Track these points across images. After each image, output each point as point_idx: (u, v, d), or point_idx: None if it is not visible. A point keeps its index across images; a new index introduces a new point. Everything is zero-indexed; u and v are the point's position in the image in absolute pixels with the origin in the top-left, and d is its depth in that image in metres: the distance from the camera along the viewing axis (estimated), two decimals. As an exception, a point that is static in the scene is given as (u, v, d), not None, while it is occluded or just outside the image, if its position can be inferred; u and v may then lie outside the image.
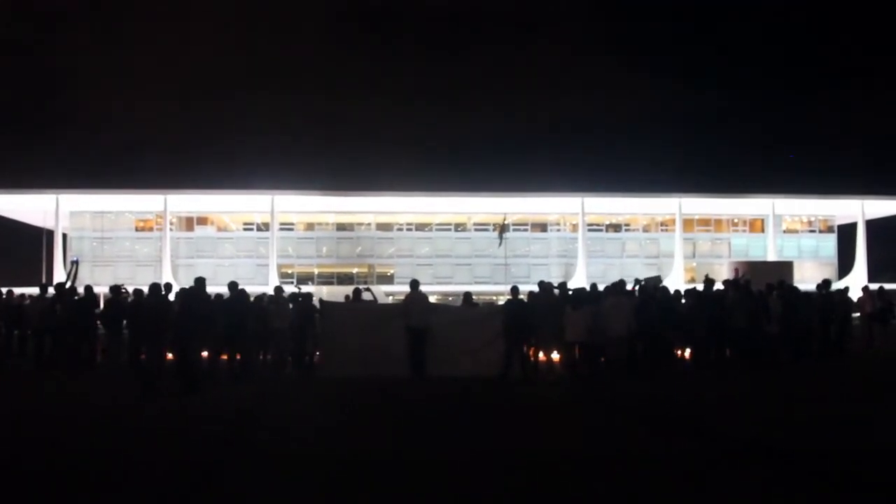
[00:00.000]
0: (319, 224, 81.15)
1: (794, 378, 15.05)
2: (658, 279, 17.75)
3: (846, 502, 6.63)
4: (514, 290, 16.50)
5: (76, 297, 17.42)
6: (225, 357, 15.70)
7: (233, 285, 15.99)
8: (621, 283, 16.82)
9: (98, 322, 17.60)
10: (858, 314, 21.01)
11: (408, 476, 7.37)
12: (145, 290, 15.38)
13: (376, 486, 7.04)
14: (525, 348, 15.80)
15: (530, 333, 15.72)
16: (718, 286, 17.41)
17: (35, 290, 18.99)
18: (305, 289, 19.63)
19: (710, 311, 16.07)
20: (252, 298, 16.65)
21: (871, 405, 11.89)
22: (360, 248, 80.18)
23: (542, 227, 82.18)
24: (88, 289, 17.62)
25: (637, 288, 16.43)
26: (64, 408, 12.23)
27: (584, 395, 13.40)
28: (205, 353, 15.31)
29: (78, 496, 6.86)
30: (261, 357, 16.35)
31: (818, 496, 6.73)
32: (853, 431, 9.55)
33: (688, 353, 16.88)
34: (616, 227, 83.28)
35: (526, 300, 16.46)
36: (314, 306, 16.85)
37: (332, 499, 6.72)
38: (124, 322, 16.42)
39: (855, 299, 20.71)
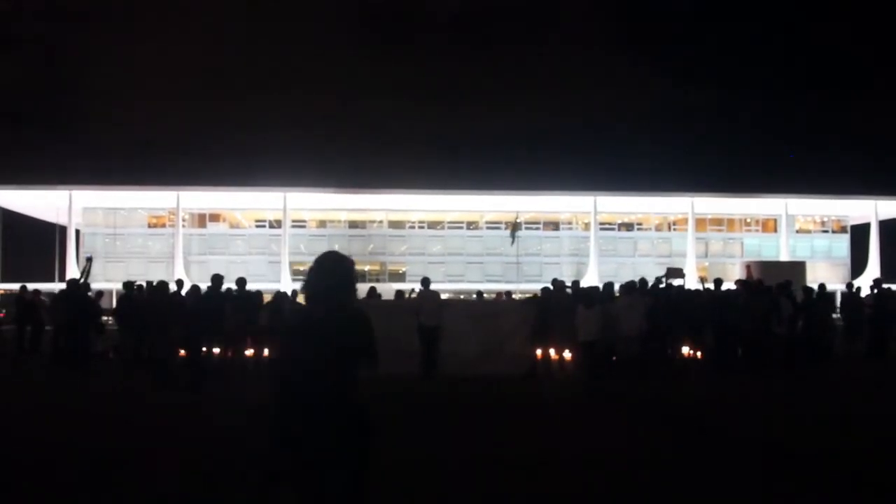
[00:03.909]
0: (331, 221, 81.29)
1: (802, 379, 15.00)
2: (680, 271, 17.78)
3: (850, 502, 6.62)
4: (545, 290, 16.55)
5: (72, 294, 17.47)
6: (230, 354, 15.77)
7: (240, 281, 16.02)
8: (641, 281, 16.84)
9: (103, 318, 17.74)
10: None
11: (413, 476, 7.38)
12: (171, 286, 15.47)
13: (382, 486, 7.05)
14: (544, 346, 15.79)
15: (552, 331, 15.71)
16: (728, 285, 17.38)
17: (49, 287, 19.06)
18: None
19: (720, 310, 16.03)
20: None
21: (875, 405, 11.86)
22: (371, 246, 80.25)
23: (555, 225, 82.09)
24: (85, 286, 17.69)
25: (654, 281, 16.47)
26: (63, 404, 12.29)
27: (595, 394, 13.39)
28: (216, 350, 15.39)
29: (77, 495, 6.91)
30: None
31: (822, 496, 6.72)
32: (855, 431, 9.55)
33: (699, 352, 16.84)
34: (628, 227, 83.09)
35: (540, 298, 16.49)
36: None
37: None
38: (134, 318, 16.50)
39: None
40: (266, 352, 15.98)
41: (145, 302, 16.24)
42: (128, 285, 17.20)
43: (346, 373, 4.21)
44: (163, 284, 15.28)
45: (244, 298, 15.78)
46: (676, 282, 18.62)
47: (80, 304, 16.91)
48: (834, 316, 19.37)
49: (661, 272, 18.16)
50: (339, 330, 4.22)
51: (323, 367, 4.15)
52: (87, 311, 17.01)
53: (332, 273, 4.37)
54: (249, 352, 16.00)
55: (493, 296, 31.79)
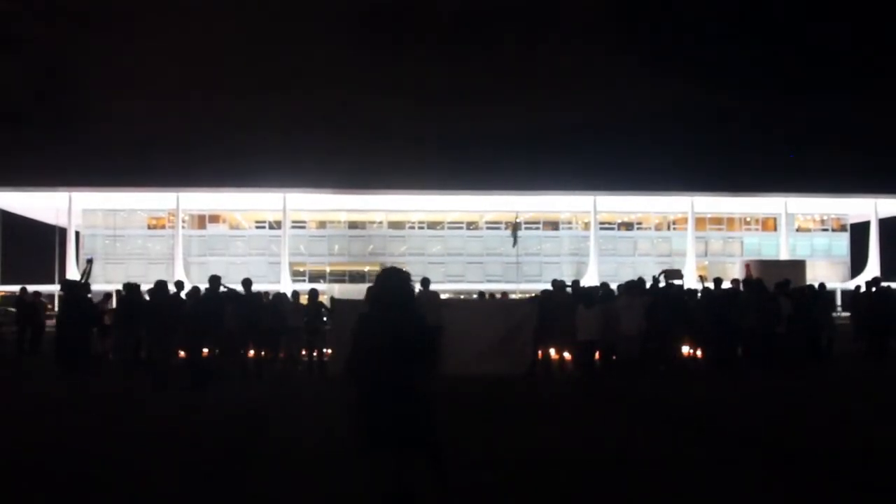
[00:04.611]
0: (331, 222, 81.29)
1: (802, 379, 14.99)
2: (679, 272, 17.74)
3: (850, 502, 6.63)
4: (545, 291, 16.49)
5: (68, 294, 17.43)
6: (231, 355, 15.76)
7: (247, 282, 16.01)
8: (639, 281, 16.84)
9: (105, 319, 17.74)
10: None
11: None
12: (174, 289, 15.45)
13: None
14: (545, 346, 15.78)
15: (551, 332, 15.70)
16: (726, 284, 17.39)
17: (49, 288, 19.04)
18: (316, 286, 19.71)
19: (719, 310, 16.03)
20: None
21: (874, 405, 11.88)
22: (371, 247, 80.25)
23: (554, 225, 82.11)
24: (85, 287, 17.68)
25: (653, 280, 16.48)
26: (63, 406, 12.31)
27: (595, 394, 13.40)
28: (217, 351, 15.36)
29: (76, 498, 6.91)
30: (272, 355, 16.36)
31: (822, 496, 6.73)
32: (856, 431, 9.57)
33: (699, 352, 16.84)
34: (628, 226, 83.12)
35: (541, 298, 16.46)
36: (323, 303, 16.88)
37: (337, 499, 6.75)
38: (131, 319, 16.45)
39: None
40: (263, 353, 15.97)
41: (145, 303, 16.23)
42: (127, 287, 17.17)
43: (411, 361, 5.29)
44: (162, 284, 15.26)
45: (247, 299, 15.81)
46: (674, 283, 18.62)
47: (78, 304, 16.90)
48: (833, 315, 19.36)
49: (660, 272, 18.17)
50: (401, 328, 5.32)
51: (391, 357, 5.23)
52: (86, 312, 17.00)
53: (390, 285, 5.51)
54: (250, 353, 15.99)
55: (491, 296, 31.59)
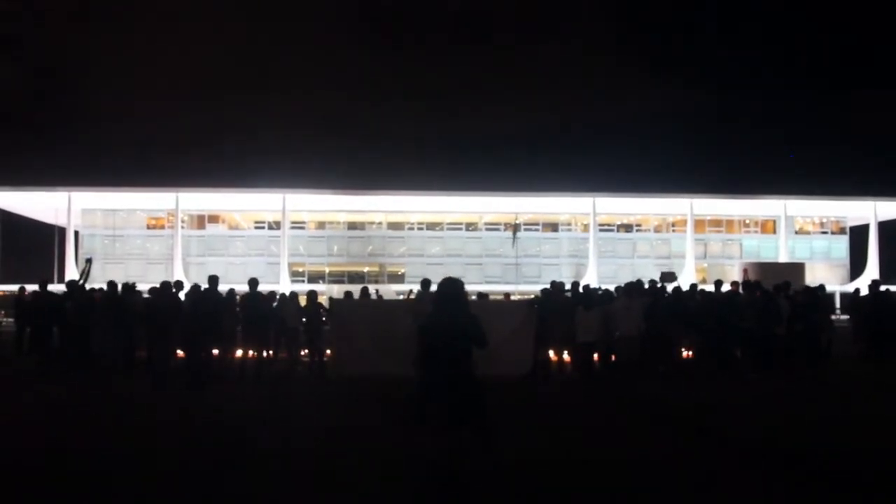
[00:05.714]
0: (330, 223, 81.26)
1: (801, 380, 14.99)
2: (673, 275, 17.67)
3: (849, 502, 6.63)
4: (545, 291, 16.44)
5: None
6: (229, 355, 15.74)
7: (253, 282, 15.99)
8: (638, 283, 16.81)
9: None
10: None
11: (412, 477, 7.36)
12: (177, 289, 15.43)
13: (381, 487, 7.05)
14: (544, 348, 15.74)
15: (551, 333, 15.66)
16: (726, 287, 17.37)
17: (49, 288, 18.98)
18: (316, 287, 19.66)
19: (719, 311, 16.01)
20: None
21: (873, 406, 11.88)
22: (370, 248, 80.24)
23: (554, 227, 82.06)
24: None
25: (649, 284, 16.44)
26: (62, 406, 12.30)
27: (594, 396, 13.38)
28: (215, 351, 15.33)
29: (76, 498, 6.89)
30: (271, 355, 16.32)
31: (822, 497, 6.73)
32: (855, 433, 9.57)
33: (698, 353, 16.80)
34: (627, 228, 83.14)
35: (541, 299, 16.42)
36: (321, 304, 16.84)
37: (336, 499, 6.73)
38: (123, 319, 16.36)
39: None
40: (265, 353, 15.93)
41: (142, 303, 16.19)
42: (123, 287, 17.09)
43: (466, 356, 6.54)
44: (165, 285, 15.24)
45: (251, 299, 15.82)
46: (670, 286, 18.57)
47: (56, 308, 16.93)
48: (832, 317, 19.33)
49: (660, 274, 18.14)
50: (458, 327, 6.55)
51: (449, 351, 6.48)
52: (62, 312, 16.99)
53: (448, 291, 6.79)
54: (242, 352, 15.95)
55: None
